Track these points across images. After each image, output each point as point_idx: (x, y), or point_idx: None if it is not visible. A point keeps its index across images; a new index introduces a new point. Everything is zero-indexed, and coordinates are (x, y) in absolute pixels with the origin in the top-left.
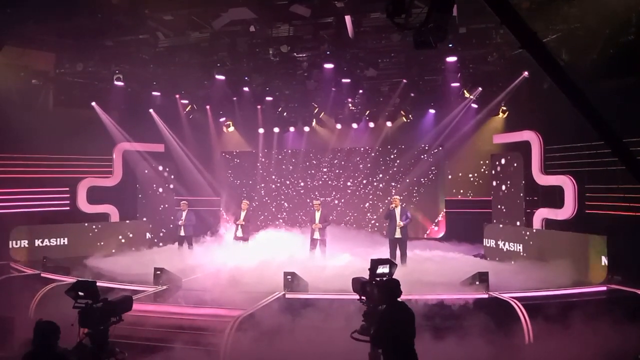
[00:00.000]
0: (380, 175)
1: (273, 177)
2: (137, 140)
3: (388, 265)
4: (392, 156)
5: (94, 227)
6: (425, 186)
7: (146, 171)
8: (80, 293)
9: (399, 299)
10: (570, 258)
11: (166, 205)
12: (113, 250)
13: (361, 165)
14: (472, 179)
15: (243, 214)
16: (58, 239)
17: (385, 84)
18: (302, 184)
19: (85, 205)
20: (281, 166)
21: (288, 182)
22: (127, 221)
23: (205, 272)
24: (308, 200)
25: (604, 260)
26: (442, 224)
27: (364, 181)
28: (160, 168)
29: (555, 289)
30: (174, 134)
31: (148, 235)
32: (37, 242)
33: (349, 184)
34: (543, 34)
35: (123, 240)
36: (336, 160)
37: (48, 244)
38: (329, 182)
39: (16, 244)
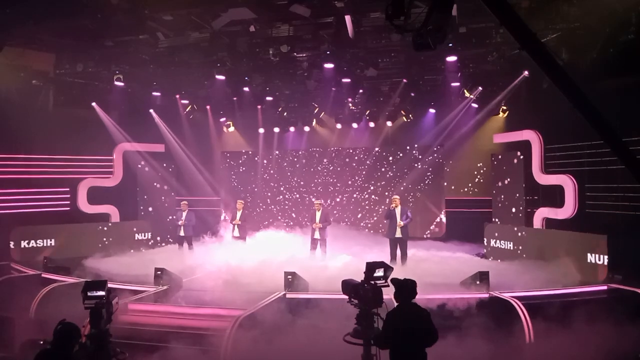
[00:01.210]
0: (381, 175)
1: (273, 177)
2: (137, 140)
3: (383, 269)
4: (392, 156)
5: (94, 227)
6: (425, 186)
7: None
8: (92, 293)
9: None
10: (571, 257)
11: (166, 205)
12: (113, 251)
13: (361, 165)
14: (472, 178)
15: (239, 213)
16: (58, 240)
17: (385, 84)
18: (302, 183)
19: (85, 205)
20: (281, 166)
21: (288, 182)
22: (128, 221)
23: (205, 272)
24: (308, 200)
25: (605, 260)
26: (442, 223)
27: (364, 181)
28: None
29: (555, 289)
30: (174, 134)
31: (148, 235)
32: (38, 243)
33: (349, 183)
34: (543, 33)
35: (123, 241)
36: (336, 160)
37: (48, 244)
38: (329, 182)
39: (17, 245)
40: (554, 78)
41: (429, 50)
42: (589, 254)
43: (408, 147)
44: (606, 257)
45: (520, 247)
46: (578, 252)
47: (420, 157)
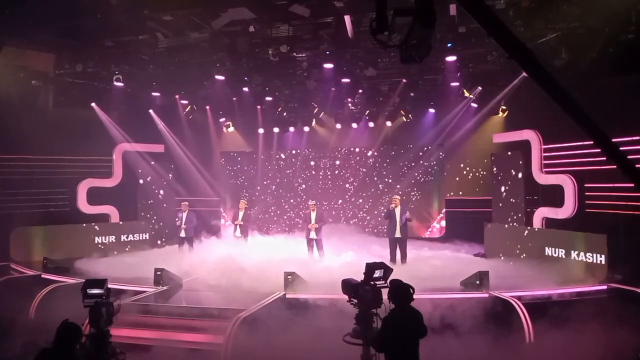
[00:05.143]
0: (380, 175)
1: (273, 177)
2: (137, 140)
3: (383, 270)
4: (392, 156)
5: (94, 228)
6: (425, 186)
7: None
8: (91, 291)
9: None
10: (570, 257)
11: (165, 205)
12: (114, 252)
13: (361, 165)
14: (472, 178)
15: (241, 213)
16: (58, 240)
17: (384, 84)
18: (301, 184)
19: (85, 206)
20: (281, 166)
21: (287, 183)
22: (127, 222)
23: (205, 273)
24: (307, 200)
25: (604, 259)
26: (442, 223)
27: (364, 181)
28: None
29: (555, 288)
30: (174, 135)
31: (148, 235)
32: (37, 243)
33: (348, 183)
34: (543, 33)
35: (123, 241)
36: (336, 160)
37: (48, 245)
38: (329, 182)
39: (16, 245)
40: (544, 86)
41: (415, 63)
42: (588, 254)
43: (407, 147)
44: (606, 256)
45: (520, 247)
46: (578, 251)
47: (419, 157)
